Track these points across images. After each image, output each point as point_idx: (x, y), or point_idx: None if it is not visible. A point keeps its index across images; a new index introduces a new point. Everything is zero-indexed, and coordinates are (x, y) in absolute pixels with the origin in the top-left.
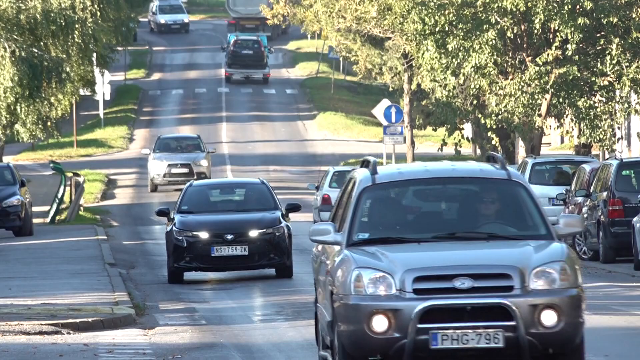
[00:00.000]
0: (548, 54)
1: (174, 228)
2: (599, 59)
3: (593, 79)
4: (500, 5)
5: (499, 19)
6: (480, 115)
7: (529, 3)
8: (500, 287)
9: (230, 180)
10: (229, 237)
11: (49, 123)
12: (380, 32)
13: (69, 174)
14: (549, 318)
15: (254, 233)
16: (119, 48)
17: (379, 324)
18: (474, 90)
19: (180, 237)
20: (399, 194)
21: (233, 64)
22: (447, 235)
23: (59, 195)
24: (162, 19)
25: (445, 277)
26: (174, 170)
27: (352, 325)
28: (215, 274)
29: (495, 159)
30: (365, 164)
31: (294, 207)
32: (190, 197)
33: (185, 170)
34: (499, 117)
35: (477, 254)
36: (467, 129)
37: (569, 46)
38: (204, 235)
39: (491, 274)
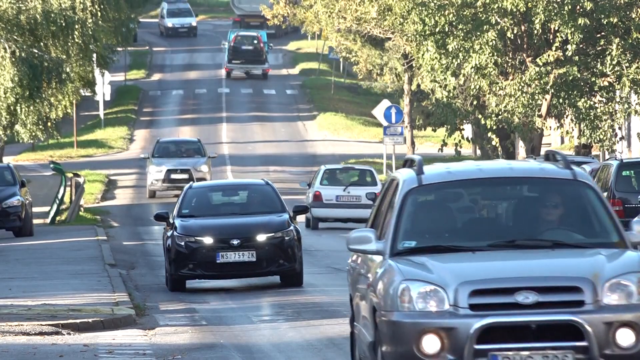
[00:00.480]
0: (548, 55)
1: (175, 233)
2: (599, 60)
3: (593, 79)
4: (500, 5)
5: (499, 20)
6: (480, 116)
7: (529, 3)
8: (570, 302)
9: (232, 181)
10: (235, 242)
11: (49, 123)
12: (380, 32)
13: (69, 175)
14: (625, 337)
15: (261, 237)
16: (119, 48)
17: (430, 344)
18: (474, 90)
19: (182, 243)
20: (448, 196)
21: (233, 60)
22: (505, 243)
23: (59, 196)
24: (170, 22)
25: (506, 290)
26: (174, 176)
27: (399, 346)
28: (218, 282)
29: (557, 156)
30: (409, 163)
31: (301, 210)
32: (190, 200)
33: (185, 175)
34: (499, 117)
35: (542, 264)
36: (468, 129)
37: (569, 47)
38: (208, 240)
39: (559, 287)
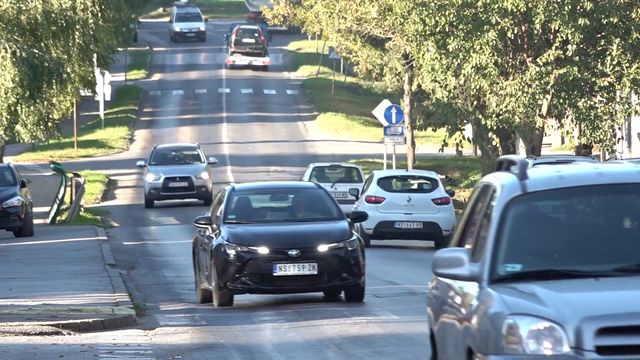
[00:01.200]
0: (548, 55)
1: (224, 241)
2: (599, 60)
3: (593, 79)
4: (500, 5)
5: (499, 20)
6: (480, 116)
7: (530, 4)
8: None
9: (281, 184)
10: (294, 252)
11: (49, 124)
12: (380, 32)
13: (70, 175)
14: None
15: (323, 248)
16: (120, 49)
17: None
18: (475, 90)
19: (232, 253)
20: (561, 207)
21: (235, 52)
22: (636, 267)
23: (60, 196)
24: (177, 27)
25: None
26: (172, 184)
27: None
28: (266, 297)
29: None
30: (506, 164)
31: (359, 216)
32: (235, 204)
33: (184, 184)
34: (500, 117)
35: None
36: (468, 129)
37: (569, 47)
38: (263, 250)
39: None
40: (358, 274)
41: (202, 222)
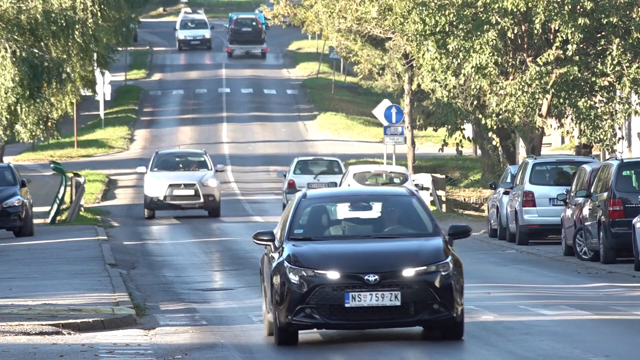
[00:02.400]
0: (549, 54)
1: (286, 263)
2: (599, 60)
3: (593, 79)
4: (500, 5)
5: (499, 20)
6: (480, 116)
7: (530, 3)
8: None
9: (364, 190)
10: (372, 278)
11: (49, 123)
12: (380, 32)
13: (70, 175)
14: None
15: (408, 272)
16: (120, 48)
17: None
18: (475, 90)
19: (295, 278)
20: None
21: (234, 41)
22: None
23: (60, 196)
24: (182, 34)
25: None
26: (177, 192)
27: None
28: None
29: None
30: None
31: (461, 231)
32: (305, 215)
33: (190, 191)
34: (500, 117)
35: None
36: (468, 129)
37: (569, 46)
38: (332, 275)
39: None
40: (453, 305)
41: (263, 238)
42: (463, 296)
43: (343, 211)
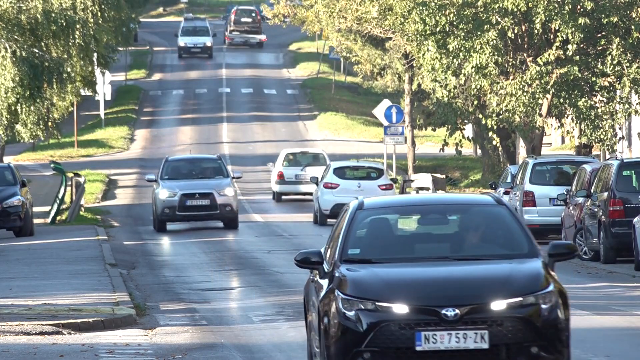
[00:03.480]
0: (549, 54)
1: (338, 293)
2: (599, 59)
3: (594, 79)
4: (501, 5)
5: (499, 19)
6: (481, 115)
7: (530, 3)
8: None
9: (436, 197)
10: (451, 313)
11: (49, 123)
12: (381, 32)
13: (70, 175)
14: None
15: (499, 305)
16: (120, 48)
17: None
18: (475, 90)
19: (350, 313)
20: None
21: (233, 30)
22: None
23: (60, 196)
24: (182, 41)
25: None
26: (191, 202)
27: None
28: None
29: None
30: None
31: (566, 251)
32: (362, 229)
33: (205, 201)
34: (500, 117)
35: None
36: (468, 129)
37: (569, 46)
38: (400, 308)
39: None
40: (558, 347)
41: (309, 261)
42: (570, 336)
43: (411, 225)
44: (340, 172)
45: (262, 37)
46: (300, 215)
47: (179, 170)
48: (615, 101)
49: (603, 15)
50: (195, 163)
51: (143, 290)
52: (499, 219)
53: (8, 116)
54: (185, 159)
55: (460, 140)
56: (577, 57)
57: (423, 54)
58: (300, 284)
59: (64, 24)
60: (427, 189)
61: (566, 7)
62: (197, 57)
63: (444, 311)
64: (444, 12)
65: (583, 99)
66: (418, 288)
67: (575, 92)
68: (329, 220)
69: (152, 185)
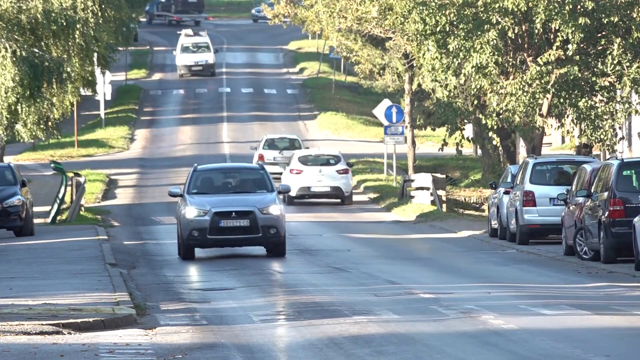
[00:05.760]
0: (549, 54)
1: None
2: (600, 59)
3: (594, 79)
4: (501, 5)
5: (500, 19)
6: (481, 115)
7: (530, 3)
8: None
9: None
10: None
11: (49, 123)
12: (381, 32)
13: (70, 174)
14: None
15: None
16: (120, 48)
17: None
18: (475, 90)
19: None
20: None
21: (178, 10)
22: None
23: (60, 196)
24: (182, 59)
25: None
26: (225, 223)
27: None
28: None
29: None
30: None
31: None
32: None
33: (244, 222)
34: (500, 117)
35: None
36: (468, 129)
37: (569, 46)
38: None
39: None
40: None
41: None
42: None
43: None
44: (303, 160)
45: (206, 15)
46: (301, 215)
47: (211, 183)
48: (615, 101)
49: (603, 15)
50: (232, 173)
51: (143, 290)
52: None
53: (8, 116)
54: (218, 168)
55: (461, 140)
56: (578, 57)
57: (423, 54)
58: (300, 284)
59: (64, 24)
60: (427, 188)
61: (566, 7)
62: (198, 76)
63: None
64: (444, 11)
65: (583, 99)
66: None
67: (576, 92)
68: (295, 200)
69: (177, 202)
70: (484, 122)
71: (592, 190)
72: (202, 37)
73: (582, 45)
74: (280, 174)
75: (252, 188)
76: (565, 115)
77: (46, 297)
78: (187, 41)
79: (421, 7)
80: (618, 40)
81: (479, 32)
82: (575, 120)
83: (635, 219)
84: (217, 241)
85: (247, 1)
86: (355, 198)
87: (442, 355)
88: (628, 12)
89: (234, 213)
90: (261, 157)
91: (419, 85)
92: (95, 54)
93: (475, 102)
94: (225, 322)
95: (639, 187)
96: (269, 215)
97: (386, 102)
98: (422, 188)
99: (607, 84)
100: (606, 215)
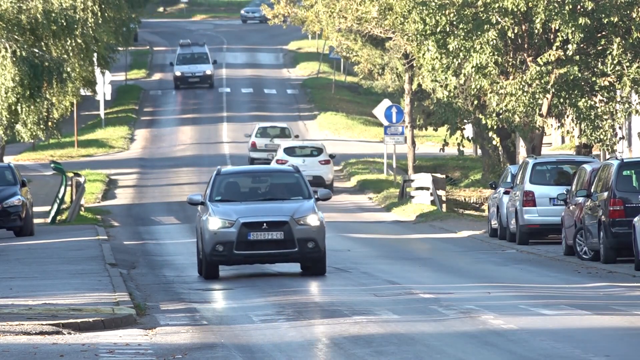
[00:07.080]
0: (549, 54)
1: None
2: (599, 59)
3: (594, 79)
4: (501, 5)
5: (499, 19)
6: (481, 115)
7: (530, 3)
8: None
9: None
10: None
11: (49, 123)
12: (381, 32)
13: (70, 174)
14: None
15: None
16: (120, 48)
17: None
18: (475, 90)
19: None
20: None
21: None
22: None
23: (60, 196)
24: (179, 71)
25: None
26: (255, 236)
27: None
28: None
29: None
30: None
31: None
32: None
33: (276, 234)
34: (500, 117)
35: None
36: (468, 129)
37: (569, 46)
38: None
39: None
40: None
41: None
42: None
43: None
44: (289, 151)
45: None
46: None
47: (238, 188)
48: (615, 101)
49: (603, 15)
50: (262, 177)
51: (143, 290)
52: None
53: (8, 116)
54: (246, 171)
55: (461, 140)
56: (577, 57)
57: (423, 54)
58: (299, 284)
59: (64, 24)
60: (427, 188)
61: (566, 7)
62: (196, 88)
63: None
64: (444, 11)
65: (583, 99)
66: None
67: (575, 92)
68: None
69: (197, 210)
70: (484, 122)
71: (592, 190)
72: (201, 48)
73: (582, 45)
74: (270, 160)
75: (286, 194)
76: (565, 115)
77: (46, 297)
78: (185, 52)
79: (421, 7)
80: (618, 40)
81: (479, 32)
82: (575, 120)
83: (635, 219)
84: (246, 257)
85: (247, 1)
86: (355, 198)
87: (442, 355)
88: (628, 12)
89: (265, 224)
90: (253, 145)
91: (419, 85)
92: (95, 54)
93: (475, 102)
94: (225, 322)
95: (638, 187)
96: (307, 226)
97: (386, 102)
98: (422, 188)
99: (607, 84)
100: (606, 215)
